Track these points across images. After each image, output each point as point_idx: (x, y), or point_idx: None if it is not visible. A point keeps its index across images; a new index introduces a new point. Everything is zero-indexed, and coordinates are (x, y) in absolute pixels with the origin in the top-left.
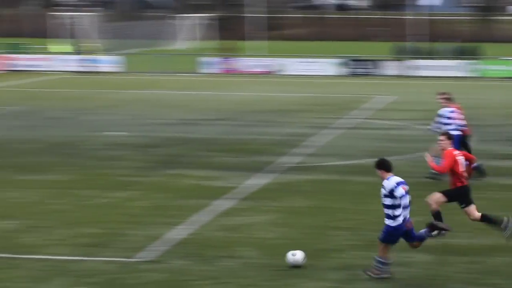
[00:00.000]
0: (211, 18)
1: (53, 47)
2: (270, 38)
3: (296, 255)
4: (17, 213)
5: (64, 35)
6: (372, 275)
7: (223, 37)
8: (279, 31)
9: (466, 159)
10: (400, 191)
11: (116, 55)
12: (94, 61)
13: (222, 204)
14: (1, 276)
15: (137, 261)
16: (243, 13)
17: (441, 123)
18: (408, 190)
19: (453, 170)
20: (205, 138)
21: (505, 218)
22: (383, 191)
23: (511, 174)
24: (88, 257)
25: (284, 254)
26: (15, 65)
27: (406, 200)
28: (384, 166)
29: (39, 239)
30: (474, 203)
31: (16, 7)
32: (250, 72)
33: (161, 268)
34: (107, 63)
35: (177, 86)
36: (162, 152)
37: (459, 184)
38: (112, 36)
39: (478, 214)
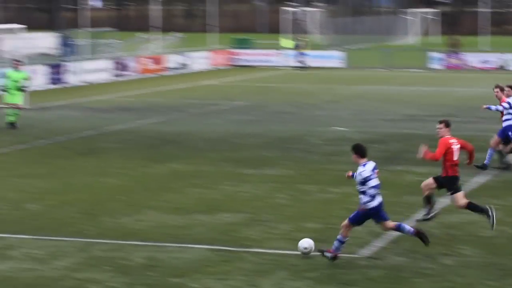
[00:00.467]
0: (438, 13)
1: (283, 41)
2: (495, 33)
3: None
4: (240, 206)
5: (293, 30)
6: (329, 255)
7: (449, 32)
8: (506, 26)
9: (463, 148)
10: (374, 181)
11: (341, 50)
12: (319, 56)
13: (443, 201)
14: (225, 269)
15: (357, 257)
16: (471, 8)
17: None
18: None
19: (445, 158)
20: (428, 135)
21: (489, 207)
22: (359, 178)
23: None
24: None
25: (506, 253)
26: (243, 60)
27: (378, 184)
28: (359, 151)
29: (261, 232)
30: (461, 190)
31: (249, 3)
32: (478, 68)
33: (380, 264)
34: (333, 58)
35: (403, 81)
36: (384, 148)
37: (450, 173)
38: (338, 31)
39: (464, 202)
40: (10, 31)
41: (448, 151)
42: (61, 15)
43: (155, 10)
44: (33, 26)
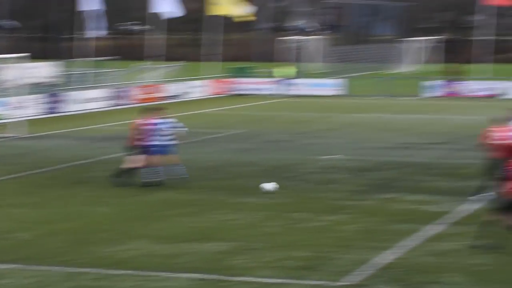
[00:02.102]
0: (437, 41)
1: (277, 71)
2: (496, 61)
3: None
4: (232, 235)
5: (290, 59)
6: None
7: (448, 60)
8: (506, 54)
9: None
10: None
11: (339, 78)
12: (317, 84)
13: (433, 229)
14: None
15: (342, 285)
16: (471, 36)
17: None
18: None
19: None
20: (422, 162)
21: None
22: None
23: None
24: (295, 279)
25: (492, 281)
26: (240, 89)
27: None
28: None
29: (250, 261)
30: None
31: (246, 32)
32: (474, 96)
33: None
34: (330, 86)
35: (399, 109)
36: (377, 176)
37: None
38: (336, 60)
39: None
40: (13, 60)
41: None
42: (62, 44)
43: (156, 39)
44: (34, 55)
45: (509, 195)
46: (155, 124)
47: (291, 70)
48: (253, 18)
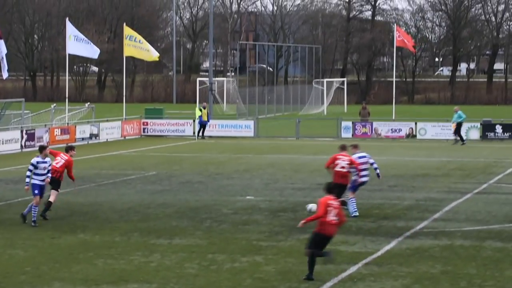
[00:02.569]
0: (350, 82)
1: (194, 112)
2: (406, 102)
3: None
4: (149, 277)
5: (202, 100)
6: None
7: (361, 100)
8: (416, 95)
9: None
10: None
11: (252, 119)
12: (231, 125)
13: (352, 269)
14: None
15: None
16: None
17: None
18: None
19: None
20: None
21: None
22: None
23: None
24: None
25: None
26: (155, 130)
27: None
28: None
29: None
30: None
31: (161, 73)
32: (387, 136)
33: None
34: (243, 127)
35: (314, 150)
36: (295, 217)
37: None
38: (250, 101)
39: None
40: None
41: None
42: None
43: (68, 81)
44: None
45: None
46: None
47: (200, 111)
48: (158, 59)
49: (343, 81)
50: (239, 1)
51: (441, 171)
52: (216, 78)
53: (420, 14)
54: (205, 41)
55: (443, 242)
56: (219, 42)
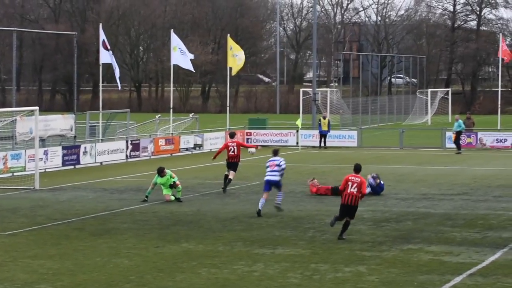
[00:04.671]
0: (455, 92)
1: (298, 122)
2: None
3: None
4: (254, 286)
5: (308, 111)
6: None
7: (465, 110)
8: None
9: None
10: None
11: (355, 129)
12: (334, 136)
13: (456, 280)
14: None
15: None
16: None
17: None
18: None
19: None
20: (444, 213)
21: None
22: None
23: None
24: None
25: None
26: (258, 140)
27: None
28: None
29: None
30: None
31: (265, 84)
32: (495, 147)
33: None
34: (347, 137)
35: (418, 160)
36: (400, 227)
37: None
38: (353, 111)
39: None
40: (24, 113)
41: None
42: (78, 97)
43: (172, 91)
44: (51, 108)
45: None
46: None
47: (299, 121)
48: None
49: (448, 91)
50: (342, 12)
51: None
52: (320, 89)
53: None
54: (308, 52)
55: None
56: (323, 53)
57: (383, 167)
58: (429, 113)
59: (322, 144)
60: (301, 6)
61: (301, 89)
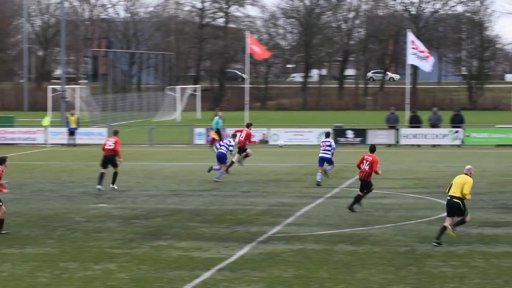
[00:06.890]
0: (204, 89)
1: (45, 120)
2: (259, 109)
3: None
4: (1, 287)
5: (56, 108)
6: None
7: (215, 107)
8: (269, 102)
9: None
10: None
11: (105, 127)
12: (85, 133)
13: (205, 275)
14: None
15: None
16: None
17: None
18: None
19: None
20: (192, 209)
21: None
22: None
23: (497, 242)
24: None
25: None
26: (6, 138)
27: None
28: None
29: None
30: None
31: (12, 81)
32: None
33: None
34: (97, 135)
35: (168, 157)
36: (148, 224)
37: None
38: (104, 108)
39: None
40: None
41: None
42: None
43: None
44: None
45: None
46: None
47: (55, 119)
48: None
49: (196, 88)
50: (91, 8)
51: (293, 176)
52: (68, 86)
53: (272, 21)
54: (57, 48)
55: (296, 247)
56: (72, 50)
57: (133, 164)
58: (178, 110)
59: (72, 142)
60: (49, 2)
61: (50, 86)
